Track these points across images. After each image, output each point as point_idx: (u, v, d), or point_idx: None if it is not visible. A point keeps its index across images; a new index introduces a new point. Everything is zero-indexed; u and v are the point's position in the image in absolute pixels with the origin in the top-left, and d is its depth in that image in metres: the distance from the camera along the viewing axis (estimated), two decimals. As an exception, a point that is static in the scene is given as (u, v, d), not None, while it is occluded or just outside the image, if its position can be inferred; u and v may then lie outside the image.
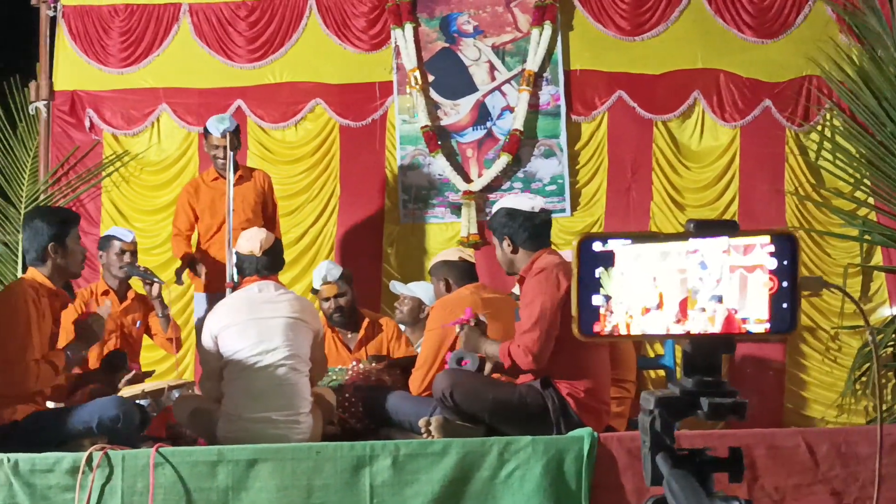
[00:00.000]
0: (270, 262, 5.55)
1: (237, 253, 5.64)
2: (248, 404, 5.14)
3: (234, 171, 7.00)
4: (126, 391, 5.72)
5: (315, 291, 6.59)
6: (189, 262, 7.18)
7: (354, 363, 6.07)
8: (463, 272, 5.87)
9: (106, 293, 6.72)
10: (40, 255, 5.15)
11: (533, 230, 5.02)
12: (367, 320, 6.53)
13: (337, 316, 6.48)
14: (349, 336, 6.53)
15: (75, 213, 5.57)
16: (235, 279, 6.27)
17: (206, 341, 5.32)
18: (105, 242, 6.82)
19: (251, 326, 5.23)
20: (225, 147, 7.02)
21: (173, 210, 7.68)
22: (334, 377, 5.95)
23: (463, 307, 5.40)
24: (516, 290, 6.14)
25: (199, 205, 7.26)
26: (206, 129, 7.17)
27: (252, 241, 5.56)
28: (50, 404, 5.41)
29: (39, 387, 5.02)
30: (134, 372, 6.17)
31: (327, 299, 6.47)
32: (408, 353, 6.38)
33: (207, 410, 5.32)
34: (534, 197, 5.25)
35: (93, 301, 6.64)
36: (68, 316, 6.37)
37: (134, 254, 6.80)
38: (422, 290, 6.62)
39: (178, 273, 7.19)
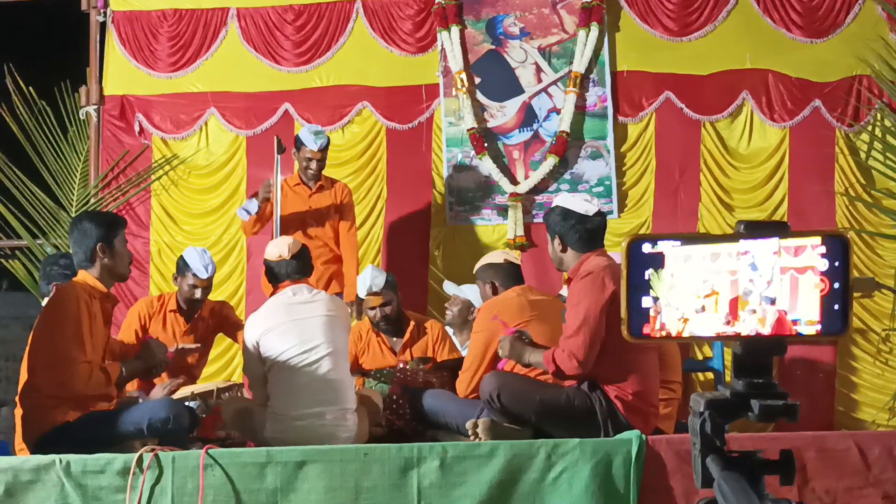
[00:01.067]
0: (300, 266, 5.59)
1: (266, 261, 5.66)
2: (294, 402, 5.19)
3: (317, 181, 7.29)
4: (178, 392, 5.77)
5: (360, 300, 6.58)
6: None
7: (401, 365, 6.08)
8: (509, 274, 5.85)
9: (174, 311, 6.70)
10: (88, 257, 5.19)
11: (585, 232, 4.99)
12: (412, 323, 6.52)
13: (383, 324, 6.47)
14: (394, 339, 6.52)
15: (122, 217, 5.61)
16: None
17: (248, 347, 5.37)
18: (182, 268, 6.62)
19: (291, 328, 5.29)
20: (319, 160, 7.21)
21: (222, 213, 7.76)
22: (381, 379, 5.96)
23: (510, 309, 5.39)
24: (564, 291, 6.14)
25: (283, 205, 7.29)
26: (299, 139, 7.26)
27: (279, 246, 5.64)
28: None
29: (88, 391, 5.03)
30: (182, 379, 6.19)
31: (373, 308, 6.45)
32: (451, 357, 6.39)
33: (252, 410, 5.38)
34: (591, 199, 5.18)
35: (160, 314, 6.64)
36: (132, 322, 6.47)
37: (207, 289, 6.65)
38: (473, 292, 6.62)
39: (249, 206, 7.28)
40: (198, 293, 6.59)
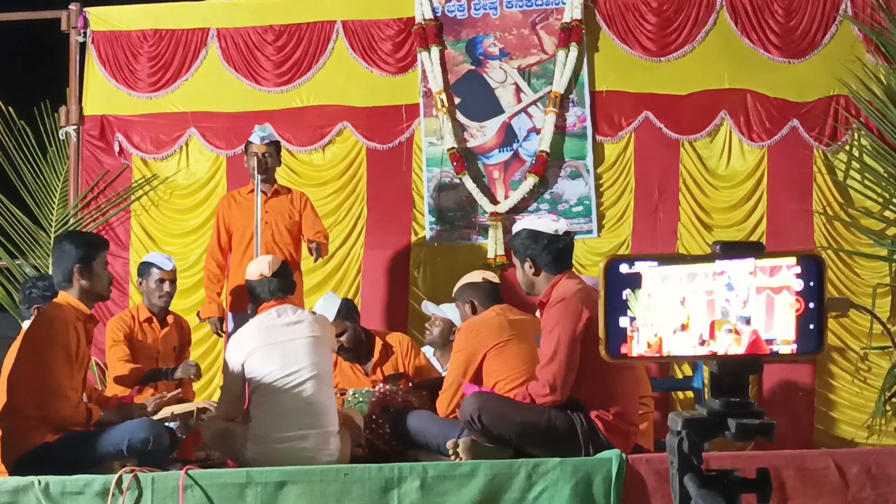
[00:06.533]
0: (282, 284, 5.55)
1: (248, 282, 5.63)
2: (277, 425, 5.15)
3: (271, 185, 7.16)
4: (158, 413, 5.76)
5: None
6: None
7: (381, 385, 6.07)
8: (488, 293, 5.85)
9: (148, 320, 6.71)
10: (66, 277, 5.19)
11: (556, 253, 4.99)
12: (379, 343, 6.51)
13: (343, 353, 6.39)
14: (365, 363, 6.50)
15: (104, 238, 5.60)
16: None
17: (232, 366, 5.34)
18: (144, 270, 6.76)
19: (275, 350, 5.25)
20: (263, 154, 7.06)
21: (202, 233, 7.72)
22: (361, 399, 5.95)
23: (490, 328, 5.39)
24: (542, 313, 6.15)
25: (232, 217, 7.25)
26: (248, 141, 7.21)
27: (260, 264, 5.62)
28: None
29: (69, 424, 5.04)
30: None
31: None
32: (419, 364, 6.45)
33: (233, 431, 5.34)
34: (557, 219, 5.19)
35: (136, 327, 6.65)
36: (114, 335, 6.47)
37: (173, 282, 6.78)
38: (453, 312, 6.64)
39: (216, 328, 7.34)
40: (166, 286, 6.73)
